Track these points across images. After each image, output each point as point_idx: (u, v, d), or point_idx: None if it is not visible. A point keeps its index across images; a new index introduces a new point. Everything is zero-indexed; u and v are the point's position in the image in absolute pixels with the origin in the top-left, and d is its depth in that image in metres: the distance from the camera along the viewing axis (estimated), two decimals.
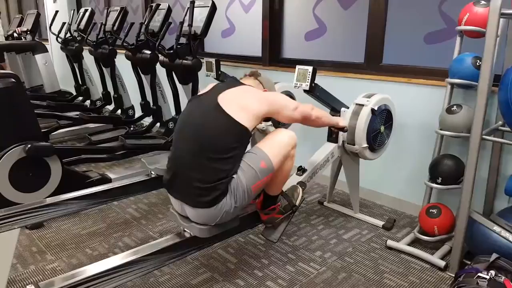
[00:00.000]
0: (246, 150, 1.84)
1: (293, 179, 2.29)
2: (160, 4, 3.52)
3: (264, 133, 3.02)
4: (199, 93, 2.01)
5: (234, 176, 1.74)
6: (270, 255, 2.29)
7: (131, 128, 4.30)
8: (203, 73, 3.04)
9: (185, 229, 1.88)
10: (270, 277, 2.09)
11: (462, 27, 2.17)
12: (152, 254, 1.73)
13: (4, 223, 1.93)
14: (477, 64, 2.10)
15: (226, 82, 2.08)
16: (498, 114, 2.19)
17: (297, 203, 2.10)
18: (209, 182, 1.70)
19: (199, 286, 2.02)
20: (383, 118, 2.44)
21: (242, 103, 1.79)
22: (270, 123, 2.90)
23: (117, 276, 1.62)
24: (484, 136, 1.93)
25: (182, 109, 3.67)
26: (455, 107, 2.20)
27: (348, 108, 2.44)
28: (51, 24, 5.27)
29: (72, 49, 4.62)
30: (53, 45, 5.82)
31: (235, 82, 1.98)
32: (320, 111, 2.05)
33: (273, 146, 1.87)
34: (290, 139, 1.91)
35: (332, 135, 2.50)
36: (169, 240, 1.83)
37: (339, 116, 2.44)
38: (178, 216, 1.89)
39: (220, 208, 1.73)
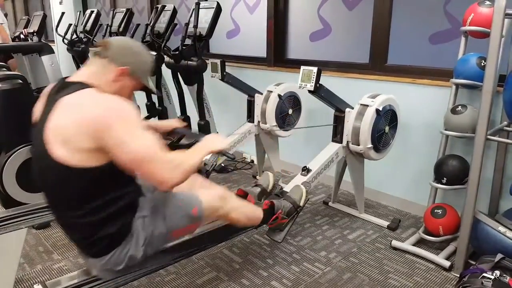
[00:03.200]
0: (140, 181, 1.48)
1: (298, 179, 2.30)
2: (165, 6, 3.54)
3: (269, 134, 3.04)
4: (34, 118, 1.42)
5: (146, 214, 1.45)
6: (275, 255, 2.29)
7: None
8: (208, 74, 3.06)
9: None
10: (275, 277, 2.10)
11: (467, 28, 2.17)
12: (158, 253, 1.74)
13: (12, 223, 1.94)
14: (482, 64, 2.10)
15: (54, 89, 1.38)
16: (503, 114, 2.18)
17: (302, 203, 2.11)
18: (89, 237, 1.38)
19: (204, 286, 2.03)
20: (387, 118, 2.44)
21: (63, 135, 1.24)
22: (275, 123, 2.91)
23: (123, 275, 1.63)
24: (489, 137, 1.92)
25: (186, 111, 3.70)
26: (460, 107, 2.19)
27: (352, 108, 2.45)
28: (57, 26, 5.31)
29: (78, 51, 4.65)
30: (60, 47, 5.86)
31: (59, 90, 1.34)
32: (185, 166, 1.36)
33: (212, 195, 1.63)
34: (230, 196, 1.71)
35: (337, 135, 2.50)
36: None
37: (344, 116, 2.44)
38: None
39: (119, 254, 1.41)
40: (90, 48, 1.33)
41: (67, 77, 1.40)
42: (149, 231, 1.45)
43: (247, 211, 1.84)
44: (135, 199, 1.46)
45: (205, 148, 1.53)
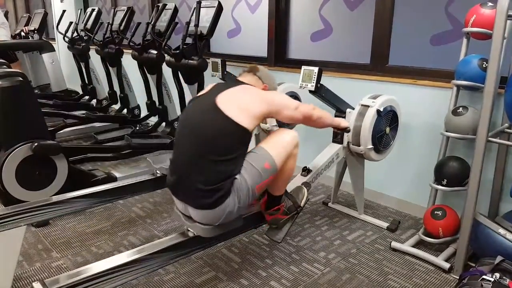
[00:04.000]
0: (248, 150, 1.83)
1: (298, 180, 2.29)
2: (166, 4, 3.53)
3: (268, 133, 3.03)
4: (198, 94, 1.98)
5: (237, 176, 1.74)
6: (274, 255, 2.29)
7: (137, 128, 4.32)
8: (209, 73, 3.05)
9: (188, 229, 1.88)
10: (274, 277, 2.09)
11: (469, 29, 2.16)
12: (157, 252, 1.74)
13: (11, 220, 1.94)
14: (484, 65, 2.10)
15: (224, 82, 2.01)
16: (504, 116, 2.18)
17: (302, 203, 2.10)
18: (211, 184, 1.69)
19: (203, 285, 2.03)
20: (388, 119, 2.44)
21: (241, 104, 1.76)
22: (275, 123, 2.90)
23: (122, 274, 1.63)
24: (490, 138, 1.92)
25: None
26: (461, 109, 2.19)
27: (353, 109, 2.44)
28: (58, 24, 5.30)
29: (79, 49, 4.64)
30: (60, 45, 5.86)
31: (234, 82, 1.97)
32: (322, 112, 2.02)
33: (276, 146, 1.86)
34: (293, 138, 1.91)
35: (337, 136, 2.50)
36: (173, 239, 1.84)
37: (344, 117, 2.44)
38: (182, 216, 1.89)
39: (223, 208, 1.72)
40: (243, 71, 2.11)
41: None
42: (242, 188, 1.74)
43: (293, 166, 1.98)
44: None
45: (335, 120, 2.16)
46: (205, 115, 1.78)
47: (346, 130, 2.24)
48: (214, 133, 1.72)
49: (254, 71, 2.05)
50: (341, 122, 2.19)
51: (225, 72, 2.91)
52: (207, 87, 1.94)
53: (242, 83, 1.94)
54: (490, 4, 2.11)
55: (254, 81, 2.00)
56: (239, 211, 1.80)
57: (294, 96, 2.97)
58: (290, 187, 2.20)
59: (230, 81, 1.99)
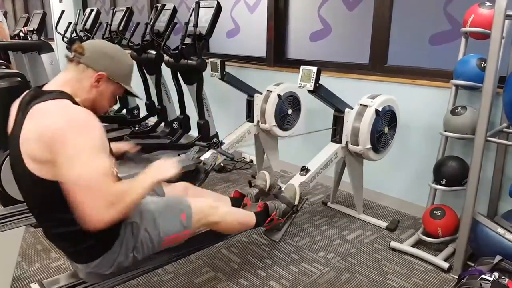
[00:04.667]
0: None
1: (297, 179, 2.29)
2: (165, 5, 3.54)
3: (269, 134, 3.03)
4: (9, 128, 1.35)
5: (136, 220, 1.42)
6: (274, 255, 2.29)
7: (136, 128, 4.32)
8: (208, 74, 3.05)
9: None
10: (274, 277, 2.09)
11: (467, 29, 2.16)
12: (156, 253, 1.73)
13: (10, 221, 1.94)
14: (482, 65, 2.10)
15: (25, 98, 1.30)
16: (503, 116, 2.18)
17: (296, 202, 2.10)
18: (76, 245, 1.35)
19: (202, 285, 2.03)
20: (387, 119, 2.44)
21: (28, 146, 1.21)
22: (274, 123, 2.90)
23: (121, 275, 1.62)
24: (488, 138, 1.92)
25: (185, 110, 3.69)
26: (459, 109, 2.19)
27: (352, 108, 2.44)
28: (57, 24, 5.31)
29: None
30: (59, 45, 5.86)
31: (32, 98, 1.27)
32: (136, 190, 1.30)
33: (201, 202, 1.62)
34: (226, 204, 1.78)
35: (335, 135, 2.50)
36: None
37: (343, 117, 2.44)
38: None
39: (109, 257, 1.39)
40: (65, 54, 1.22)
41: (43, 85, 1.34)
42: (138, 237, 1.42)
43: (239, 217, 1.83)
44: None
45: (151, 178, 1.36)
46: (18, 176, 1.33)
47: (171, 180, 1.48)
48: (34, 199, 1.34)
49: (78, 57, 1.33)
50: (159, 175, 1.39)
51: (224, 72, 2.91)
52: (13, 107, 1.36)
53: (44, 96, 1.25)
54: (488, 3, 2.11)
55: (77, 76, 1.33)
56: (138, 257, 1.47)
57: (294, 96, 2.97)
58: (291, 187, 2.21)
59: (33, 92, 1.32)
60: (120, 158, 1.82)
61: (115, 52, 1.40)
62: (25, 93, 1.35)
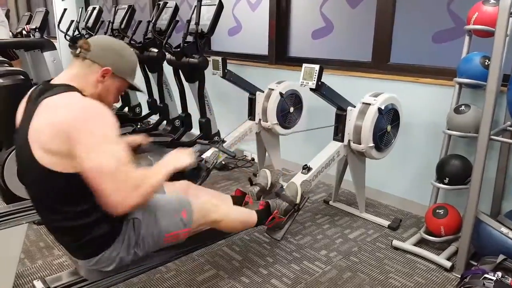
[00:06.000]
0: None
1: (299, 178, 2.29)
2: (167, 2, 3.53)
3: (270, 132, 3.03)
4: (17, 122, 1.42)
5: (138, 217, 1.42)
6: (275, 254, 2.29)
7: (138, 126, 4.32)
8: (209, 72, 3.05)
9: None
10: (275, 275, 2.09)
11: (471, 26, 2.15)
12: (158, 250, 1.73)
13: (13, 218, 1.94)
14: (486, 63, 2.09)
15: (35, 92, 1.35)
16: (506, 114, 2.17)
17: (298, 200, 2.10)
18: (78, 240, 1.35)
19: (204, 283, 2.03)
20: (390, 117, 2.43)
21: (41, 139, 1.22)
22: (276, 121, 2.90)
23: (123, 272, 1.62)
24: (492, 137, 1.91)
25: (187, 108, 3.69)
26: (463, 107, 2.18)
27: (354, 107, 2.43)
28: (59, 22, 5.31)
29: None
30: (62, 43, 5.86)
31: (40, 92, 1.31)
32: (152, 182, 1.33)
33: (202, 200, 1.64)
34: (227, 202, 1.79)
35: (338, 134, 2.49)
36: None
37: (345, 114, 2.43)
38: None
39: (109, 254, 1.39)
40: (70, 50, 1.22)
41: (51, 79, 1.38)
42: (139, 233, 1.43)
43: (240, 216, 1.83)
44: None
45: (168, 166, 1.42)
46: (26, 168, 1.33)
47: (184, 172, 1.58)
48: (41, 191, 1.32)
49: (84, 53, 1.35)
50: (177, 163, 1.46)
51: (226, 70, 2.91)
52: (22, 102, 1.42)
53: (53, 89, 1.29)
54: (492, 1, 2.10)
55: (82, 71, 1.36)
56: (138, 255, 1.48)
57: (295, 94, 2.96)
58: (292, 187, 2.21)
59: (42, 87, 1.36)
60: (136, 150, 1.84)
61: (120, 48, 1.43)
62: (33, 88, 1.38)
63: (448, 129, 2.26)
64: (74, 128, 1.18)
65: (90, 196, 1.25)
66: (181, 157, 1.48)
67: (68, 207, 1.29)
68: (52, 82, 1.35)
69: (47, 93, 1.28)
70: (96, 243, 1.37)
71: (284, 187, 2.21)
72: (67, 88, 1.29)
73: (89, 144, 1.18)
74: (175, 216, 1.51)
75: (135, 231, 1.43)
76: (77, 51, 1.36)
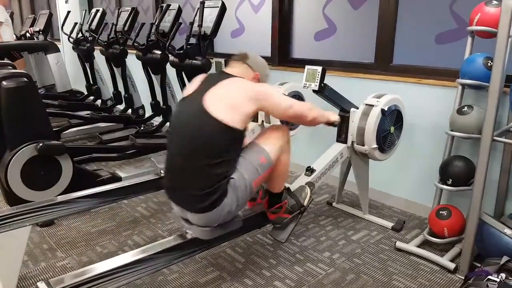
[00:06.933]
0: (243, 146, 1.83)
1: (302, 179, 2.29)
2: (170, 5, 3.54)
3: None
4: (186, 92, 1.87)
5: (233, 176, 1.72)
6: (278, 255, 2.29)
7: (141, 128, 4.34)
8: None
9: (187, 231, 1.87)
10: (278, 277, 2.09)
11: (474, 27, 2.15)
12: (161, 252, 1.74)
13: (16, 220, 1.95)
14: (489, 64, 2.08)
15: (212, 76, 1.91)
16: (509, 115, 2.16)
17: (305, 203, 2.10)
18: (206, 188, 1.67)
19: (207, 285, 2.03)
20: (393, 118, 2.43)
21: (230, 102, 1.70)
22: (279, 123, 2.90)
23: (126, 274, 1.63)
24: (495, 138, 1.91)
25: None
26: (466, 108, 2.17)
27: (357, 108, 2.43)
28: (63, 24, 5.33)
29: (83, 49, 4.66)
30: (65, 45, 5.89)
31: (220, 75, 1.85)
32: (318, 112, 1.96)
33: (269, 141, 1.86)
34: (284, 134, 1.92)
35: (341, 136, 2.49)
36: (177, 238, 1.84)
37: (348, 116, 2.43)
38: (180, 219, 1.88)
39: (221, 209, 1.71)
40: (233, 54, 1.97)
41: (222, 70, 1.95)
42: (240, 186, 1.73)
43: (288, 165, 1.98)
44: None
45: (325, 115, 2.03)
46: (194, 119, 1.72)
47: (334, 124, 2.13)
48: (204, 138, 1.68)
49: (244, 59, 1.94)
50: (330, 117, 2.08)
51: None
52: (193, 83, 1.87)
53: (230, 75, 1.83)
54: (495, 2, 2.09)
55: (243, 71, 1.90)
56: (238, 209, 1.81)
57: (298, 96, 2.96)
58: (293, 187, 2.21)
59: (216, 75, 1.91)
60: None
61: (263, 63, 2.03)
62: (208, 73, 1.98)
63: (451, 130, 2.25)
64: (264, 93, 1.79)
65: (235, 150, 1.75)
66: (332, 115, 2.08)
67: (221, 154, 1.68)
68: (226, 71, 1.90)
69: (226, 76, 1.81)
70: (217, 195, 1.68)
71: (288, 187, 2.21)
72: (238, 77, 1.84)
73: (275, 100, 1.82)
74: (256, 166, 1.78)
75: (236, 187, 1.73)
76: (238, 57, 1.95)
